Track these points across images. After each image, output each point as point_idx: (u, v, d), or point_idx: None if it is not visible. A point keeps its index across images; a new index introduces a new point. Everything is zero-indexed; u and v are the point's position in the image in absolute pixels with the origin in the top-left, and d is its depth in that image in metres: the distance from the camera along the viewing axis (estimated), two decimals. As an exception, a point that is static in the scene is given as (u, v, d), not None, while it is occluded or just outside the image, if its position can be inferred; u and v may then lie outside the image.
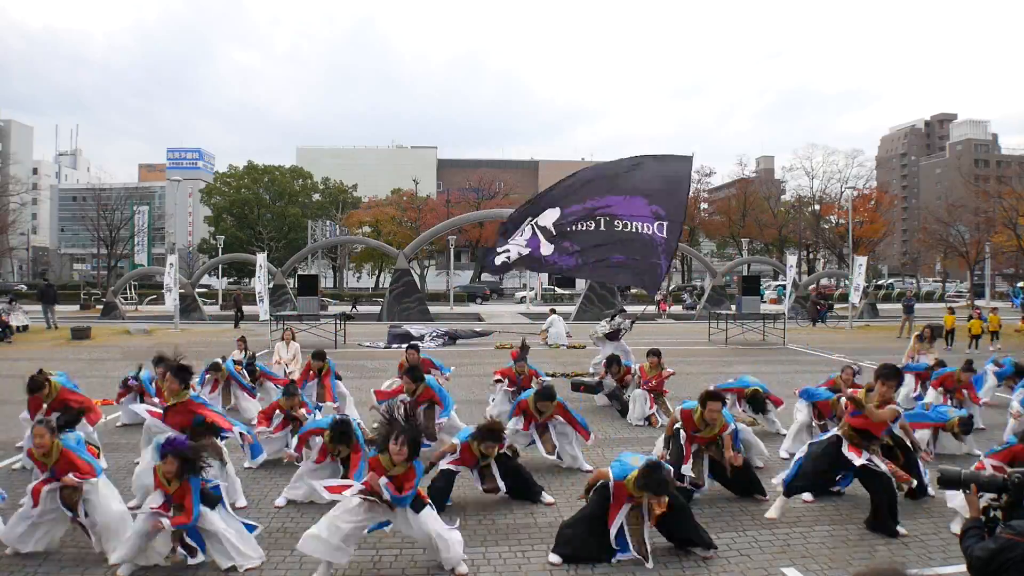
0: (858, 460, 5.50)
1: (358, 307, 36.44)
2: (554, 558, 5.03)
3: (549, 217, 9.54)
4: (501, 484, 6.14)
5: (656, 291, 8.98)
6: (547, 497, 6.34)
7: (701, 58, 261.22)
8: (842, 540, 5.40)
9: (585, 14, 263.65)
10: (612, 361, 10.62)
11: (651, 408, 9.58)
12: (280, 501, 6.26)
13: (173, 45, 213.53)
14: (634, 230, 9.06)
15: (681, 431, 6.39)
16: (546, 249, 9.55)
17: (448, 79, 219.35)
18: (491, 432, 5.97)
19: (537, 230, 9.54)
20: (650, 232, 8.94)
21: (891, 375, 5.58)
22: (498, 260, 9.73)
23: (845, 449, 5.62)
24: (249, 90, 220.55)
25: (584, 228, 9.39)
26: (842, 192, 53.27)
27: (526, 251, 9.56)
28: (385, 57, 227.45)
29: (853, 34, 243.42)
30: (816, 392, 8.32)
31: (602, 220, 9.25)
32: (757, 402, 8.85)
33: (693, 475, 6.17)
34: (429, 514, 4.82)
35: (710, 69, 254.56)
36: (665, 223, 8.91)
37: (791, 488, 5.80)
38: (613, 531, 5.02)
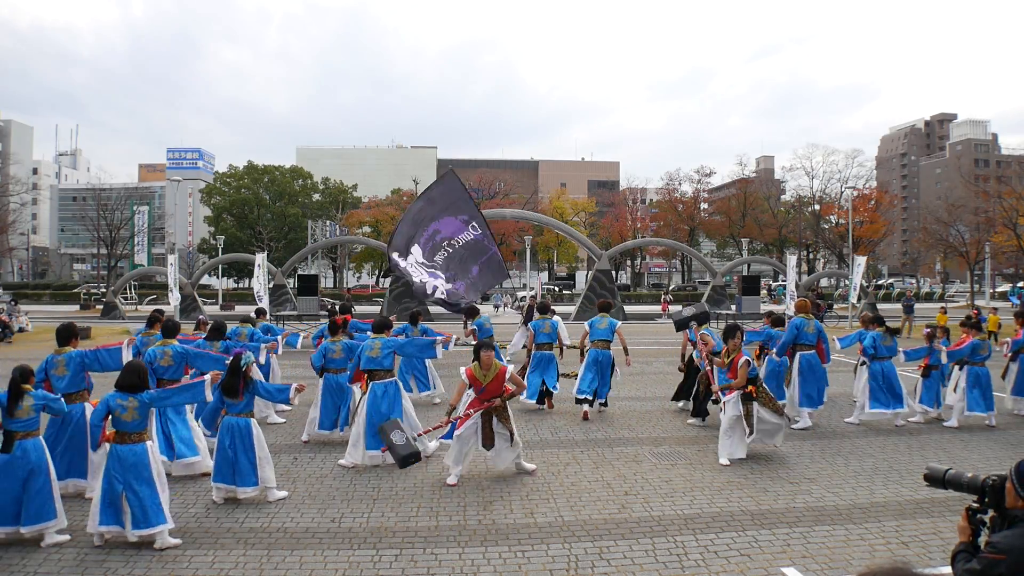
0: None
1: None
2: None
3: (416, 255, 10.52)
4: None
5: (506, 278, 11.32)
6: None
7: (701, 57, 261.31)
8: (842, 540, 5.39)
9: (581, 11, 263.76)
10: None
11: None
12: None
13: (163, 43, 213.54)
14: (465, 242, 10.42)
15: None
16: (440, 283, 10.42)
17: (444, 76, 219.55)
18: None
19: (417, 268, 10.47)
20: (473, 236, 10.35)
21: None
22: (427, 288, 10.53)
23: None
24: (243, 88, 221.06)
25: (444, 255, 10.50)
26: (842, 192, 53.16)
27: (433, 288, 10.47)
28: (379, 55, 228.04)
29: (853, 33, 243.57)
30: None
31: (447, 245, 10.46)
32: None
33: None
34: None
35: (709, 68, 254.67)
36: (473, 222, 10.40)
37: None
38: None
